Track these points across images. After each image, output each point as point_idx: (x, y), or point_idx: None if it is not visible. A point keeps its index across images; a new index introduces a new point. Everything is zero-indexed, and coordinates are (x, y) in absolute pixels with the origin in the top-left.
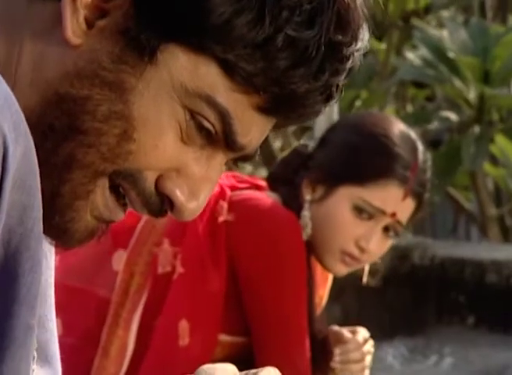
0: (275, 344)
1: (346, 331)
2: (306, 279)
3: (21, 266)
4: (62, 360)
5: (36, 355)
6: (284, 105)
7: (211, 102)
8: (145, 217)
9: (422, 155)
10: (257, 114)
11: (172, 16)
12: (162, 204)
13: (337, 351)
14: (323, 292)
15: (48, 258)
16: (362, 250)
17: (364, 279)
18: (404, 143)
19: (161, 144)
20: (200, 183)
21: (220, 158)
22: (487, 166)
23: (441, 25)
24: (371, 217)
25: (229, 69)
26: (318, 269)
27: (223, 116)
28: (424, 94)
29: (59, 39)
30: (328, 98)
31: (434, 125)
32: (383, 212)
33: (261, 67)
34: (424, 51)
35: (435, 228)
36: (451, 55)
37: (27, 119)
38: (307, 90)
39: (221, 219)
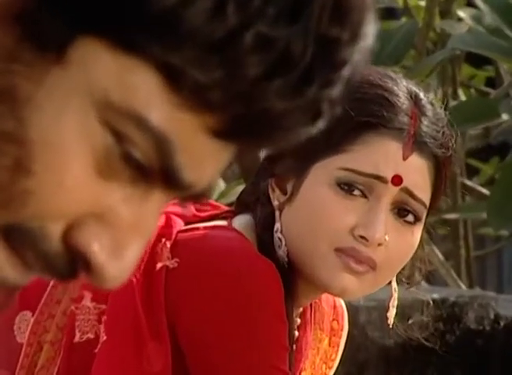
0: None
1: None
2: (281, 345)
3: None
4: None
5: None
6: (252, 129)
7: (143, 123)
8: None
9: (429, 104)
10: (211, 140)
11: None
12: (73, 264)
13: None
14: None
15: None
16: (365, 240)
17: (391, 319)
18: (394, 84)
19: (70, 180)
20: (128, 234)
21: (157, 199)
22: None
23: None
24: (364, 193)
25: (172, 77)
26: (307, 334)
27: (160, 144)
28: (484, 76)
29: None
30: (315, 118)
31: (501, 119)
32: (380, 179)
33: (219, 76)
34: (486, 12)
35: (502, 277)
36: None
37: None
38: (285, 108)
39: (159, 265)
